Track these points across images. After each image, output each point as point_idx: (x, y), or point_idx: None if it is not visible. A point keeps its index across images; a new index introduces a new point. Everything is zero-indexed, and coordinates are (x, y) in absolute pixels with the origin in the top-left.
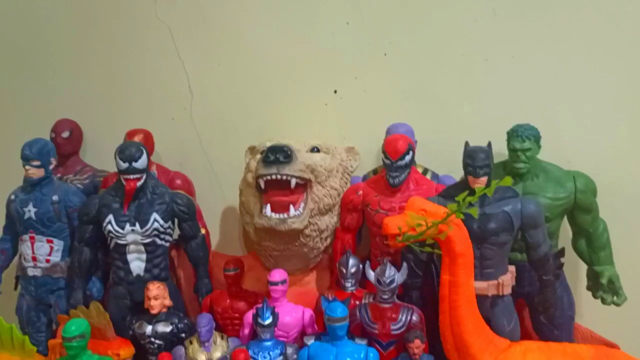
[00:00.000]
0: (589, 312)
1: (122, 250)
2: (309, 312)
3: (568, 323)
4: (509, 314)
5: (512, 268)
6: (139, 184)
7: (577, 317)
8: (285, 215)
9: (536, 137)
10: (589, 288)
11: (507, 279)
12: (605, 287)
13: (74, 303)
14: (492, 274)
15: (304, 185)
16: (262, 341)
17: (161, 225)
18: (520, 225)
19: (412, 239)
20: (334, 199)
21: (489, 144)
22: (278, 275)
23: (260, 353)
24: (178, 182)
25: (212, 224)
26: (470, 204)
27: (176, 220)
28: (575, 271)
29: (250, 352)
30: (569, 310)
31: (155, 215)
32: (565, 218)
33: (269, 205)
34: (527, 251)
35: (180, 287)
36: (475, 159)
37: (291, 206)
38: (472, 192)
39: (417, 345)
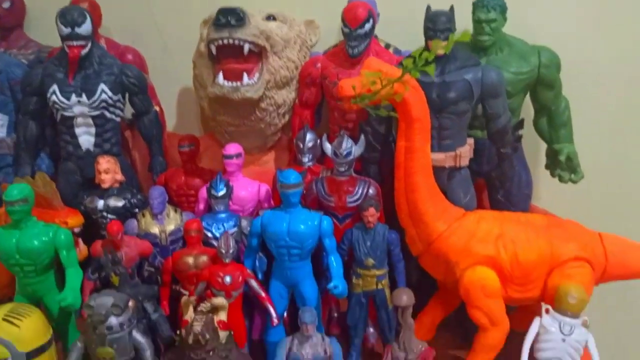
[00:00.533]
0: (546, 194)
1: (69, 123)
2: (265, 187)
3: (524, 201)
4: (466, 187)
5: (470, 140)
6: (83, 52)
7: (534, 200)
8: (238, 84)
9: (502, 8)
10: (547, 167)
11: (465, 151)
12: (563, 165)
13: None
14: (450, 145)
15: (259, 54)
16: (216, 213)
17: (110, 97)
18: (480, 94)
19: (367, 100)
20: (291, 72)
21: (452, 8)
22: (233, 148)
23: (214, 225)
24: (129, 57)
25: (167, 104)
26: (427, 62)
27: (127, 95)
28: (536, 154)
29: (204, 224)
30: (526, 189)
31: (102, 86)
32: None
33: (221, 73)
34: (486, 123)
35: (136, 169)
36: (436, 22)
37: (245, 74)
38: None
39: (372, 214)
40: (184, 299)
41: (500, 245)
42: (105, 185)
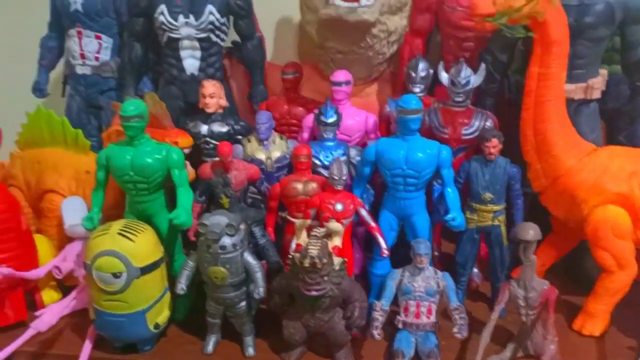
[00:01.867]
0: None
1: (175, 45)
2: (372, 117)
3: None
4: (593, 122)
5: (603, 72)
6: None
7: None
8: (356, 4)
9: None
10: None
11: (598, 82)
12: None
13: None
14: (581, 75)
15: None
16: (324, 141)
17: (217, 19)
18: (622, 19)
19: (506, 17)
20: None
21: None
22: (342, 75)
23: (322, 152)
24: None
25: (266, 33)
26: None
27: (231, 19)
28: None
29: (312, 152)
30: None
31: (210, 8)
32: None
33: None
34: (623, 52)
35: (233, 99)
36: None
37: None
38: None
39: (494, 145)
40: (298, 222)
41: (634, 184)
42: (209, 110)
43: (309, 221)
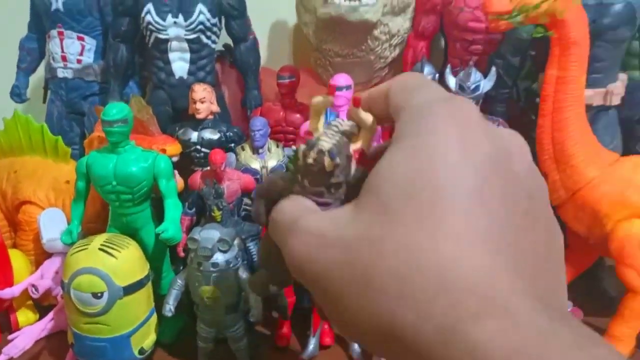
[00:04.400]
0: None
1: (163, 47)
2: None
3: None
4: (613, 130)
5: (623, 76)
6: None
7: None
8: (357, 3)
9: None
10: None
11: (618, 88)
12: None
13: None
14: (600, 80)
15: None
16: None
17: (207, 20)
18: None
19: (523, 15)
20: None
21: None
22: (343, 79)
23: None
24: None
25: (260, 37)
26: None
27: (223, 20)
28: None
29: None
30: None
31: (201, 7)
32: None
33: None
34: None
35: (226, 105)
36: None
37: None
38: None
39: None
40: (318, 99)
41: None
42: (200, 116)
43: (332, 98)
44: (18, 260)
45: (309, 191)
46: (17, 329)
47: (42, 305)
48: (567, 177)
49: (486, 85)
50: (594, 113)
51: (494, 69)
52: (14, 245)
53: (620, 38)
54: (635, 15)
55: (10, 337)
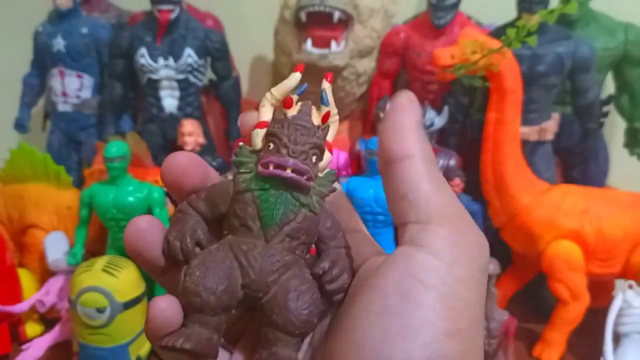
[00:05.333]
0: (620, 173)
1: (154, 86)
2: (343, 154)
3: (600, 179)
4: (548, 161)
5: (555, 115)
6: (172, 15)
7: (608, 179)
8: (327, 51)
9: None
10: (626, 145)
11: (550, 125)
12: None
13: (106, 137)
14: (535, 119)
15: (346, 22)
16: None
17: (195, 62)
18: (570, 68)
19: (464, 69)
20: (374, 41)
21: None
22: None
23: None
24: (209, 22)
25: (242, 70)
26: (529, 33)
27: (209, 61)
28: (611, 132)
29: None
30: (603, 165)
31: (189, 50)
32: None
33: (309, 40)
34: (574, 98)
35: (211, 135)
36: None
37: (333, 41)
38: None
39: (457, 184)
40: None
41: (585, 220)
42: (187, 148)
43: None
44: (25, 278)
45: (274, 153)
46: (25, 339)
47: (47, 318)
48: (506, 204)
49: (439, 121)
50: (531, 147)
51: (446, 107)
52: (20, 265)
53: (551, 83)
54: (563, 64)
55: (23, 347)
